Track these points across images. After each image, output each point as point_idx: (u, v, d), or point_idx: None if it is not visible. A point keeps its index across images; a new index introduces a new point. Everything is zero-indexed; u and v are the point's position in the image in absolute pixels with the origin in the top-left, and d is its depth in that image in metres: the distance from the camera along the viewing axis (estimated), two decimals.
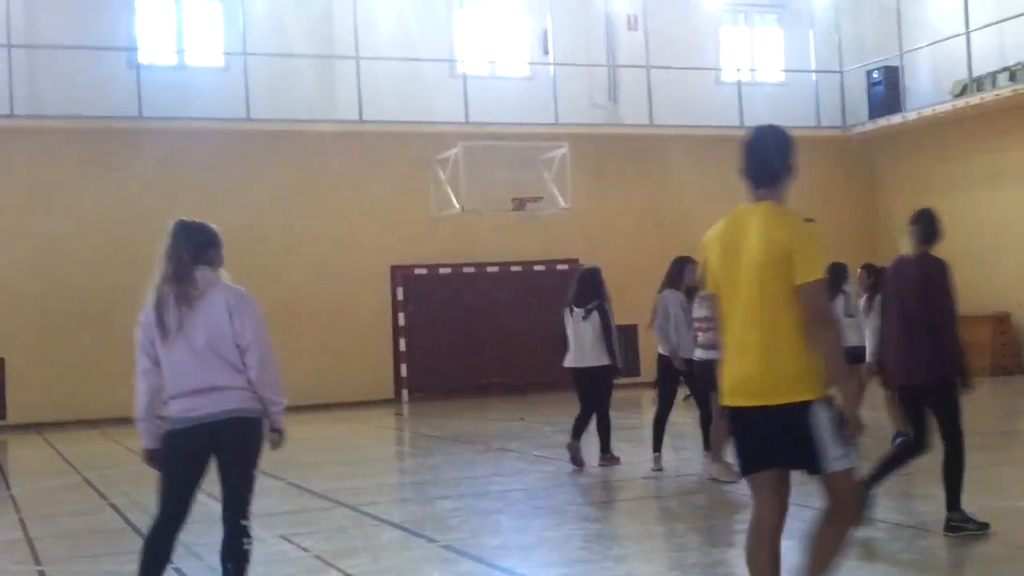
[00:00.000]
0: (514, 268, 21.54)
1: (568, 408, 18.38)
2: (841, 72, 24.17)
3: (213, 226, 5.62)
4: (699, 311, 10.21)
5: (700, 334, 10.22)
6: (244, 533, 5.36)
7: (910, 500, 9.38)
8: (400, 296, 20.80)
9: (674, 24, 22.95)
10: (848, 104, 24.05)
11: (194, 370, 5.33)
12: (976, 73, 21.26)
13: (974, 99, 21.02)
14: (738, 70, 23.91)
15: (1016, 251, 19.80)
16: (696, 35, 23.55)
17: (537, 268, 21.75)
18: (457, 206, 19.06)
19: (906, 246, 7.83)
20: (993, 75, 20.99)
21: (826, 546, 4.70)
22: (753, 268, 4.69)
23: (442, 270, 21.11)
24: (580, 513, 9.10)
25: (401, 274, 20.91)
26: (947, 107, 21.66)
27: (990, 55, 21.19)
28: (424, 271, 20.85)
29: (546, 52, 22.45)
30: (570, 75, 22.30)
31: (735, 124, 23.02)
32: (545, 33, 22.41)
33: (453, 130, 20.37)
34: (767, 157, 5.13)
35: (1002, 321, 20.26)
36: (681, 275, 11.00)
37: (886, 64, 23.29)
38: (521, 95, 22.21)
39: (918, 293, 7.50)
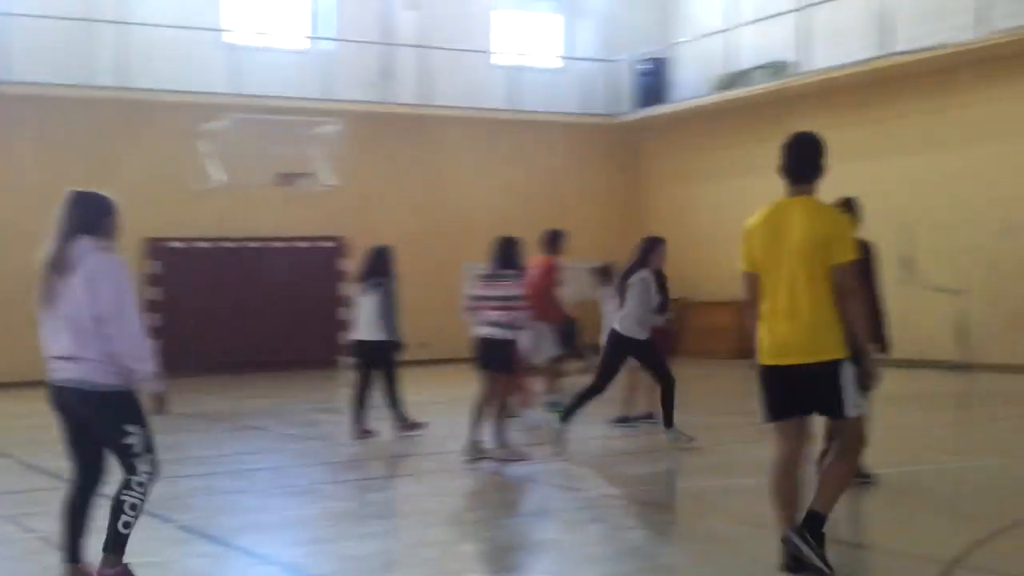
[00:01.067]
0: (277, 244, 21.08)
1: (326, 386, 18.27)
2: (611, 61, 24.67)
3: (105, 196, 5.74)
4: (486, 290, 10.07)
5: (491, 312, 9.94)
6: (126, 486, 5.56)
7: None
8: (154, 270, 20.05)
9: (451, 5, 22.91)
10: (617, 93, 24.57)
11: (56, 338, 5.58)
12: (737, 68, 22.07)
13: (734, 93, 21.82)
14: (514, 55, 24.05)
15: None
16: (473, 17, 23.56)
17: (301, 245, 21.35)
18: (219, 179, 18.46)
19: None
20: (752, 70, 21.83)
21: (838, 478, 5.85)
22: (798, 251, 5.71)
23: (201, 245, 20.42)
24: (327, 492, 8.90)
25: (155, 248, 20.12)
26: (708, 100, 22.41)
27: (751, 51, 22.03)
28: (181, 245, 20.11)
29: (319, 28, 22.03)
30: (346, 52, 21.94)
31: (509, 108, 23.22)
32: (319, 9, 21.97)
33: (220, 101, 19.69)
34: (806, 159, 6.14)
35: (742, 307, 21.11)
36: (650, 256, 10.91)
37: (654, 55, 23.91)
38: (295, 69, 21.70)
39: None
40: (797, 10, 20.68)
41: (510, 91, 23.27)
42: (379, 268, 11.50)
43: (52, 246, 5.59)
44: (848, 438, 5.84)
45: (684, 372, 18.28)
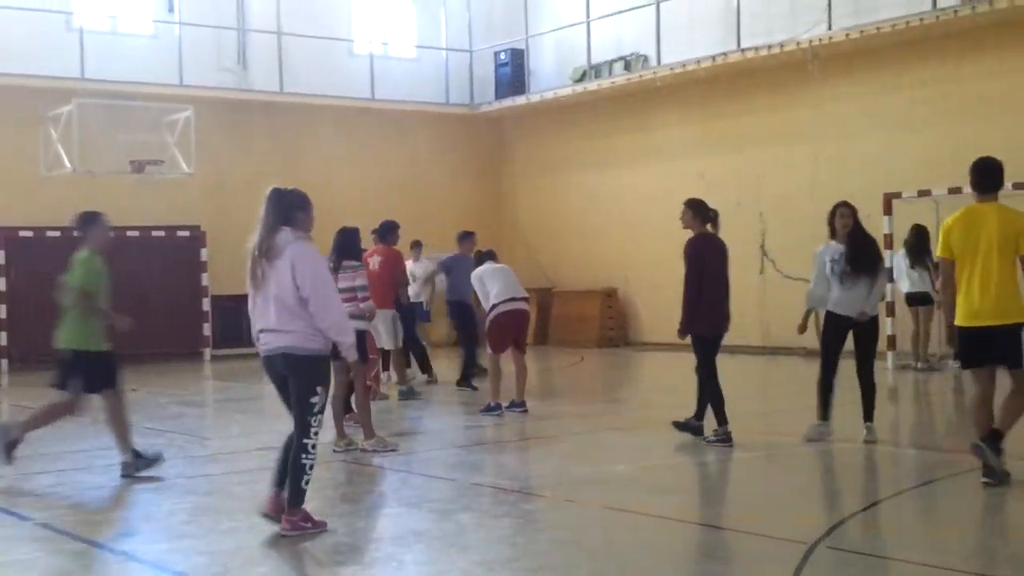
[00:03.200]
0: (131, 233, 20.49)
1: (181, 379, 17.88)
2: (471, 51, 24.69)
3: (301, 192, 6.84)
4: (345, 282, 9.94)
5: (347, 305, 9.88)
6: (303, 448, 6.66)
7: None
8: (0, 260, 19.32)
9: None
10: (476, 83, 24.61)
11: (263, 313, 6.68)
12: (595, 61, 22.33)
13: (592, 85, 22.08)
14: (374, 43, 23.86)
15: (623, 230, 20.93)
16: (330, 4, 23.29)
17: (156, 234, 20.81)
18: (68, 166, 17.86)
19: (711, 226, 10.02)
20: (610, 63, 22.12)
21: (1015, 409, 7.82)
22: (995, 241, 7.68)
23: (50, 233, 19.71)
24: (189, 487, 8.70)
25: (3, 236, 19.38)
26: (568, 91, 22.63)
27: (608, 44, 22.32)
28: (30, 234, 19.40)
29: (171, 11, 21.48)
30: (198, 37, 21.44)
31: (368, 96, 23.04)
32: None
33: (67, 85, 19.09)
34: (994, 175, 7.90)
35: (610, 296, 21.44)
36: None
37: (513, 46, 24.03)
38: (145, 54, 21.12)
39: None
40: (652, 3, 21.01)
41: (371, 80, 23.09)
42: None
43: (259, 236, 6.64)
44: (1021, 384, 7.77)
45: (552, 361, 18.57)
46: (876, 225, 16.55)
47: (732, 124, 20.34)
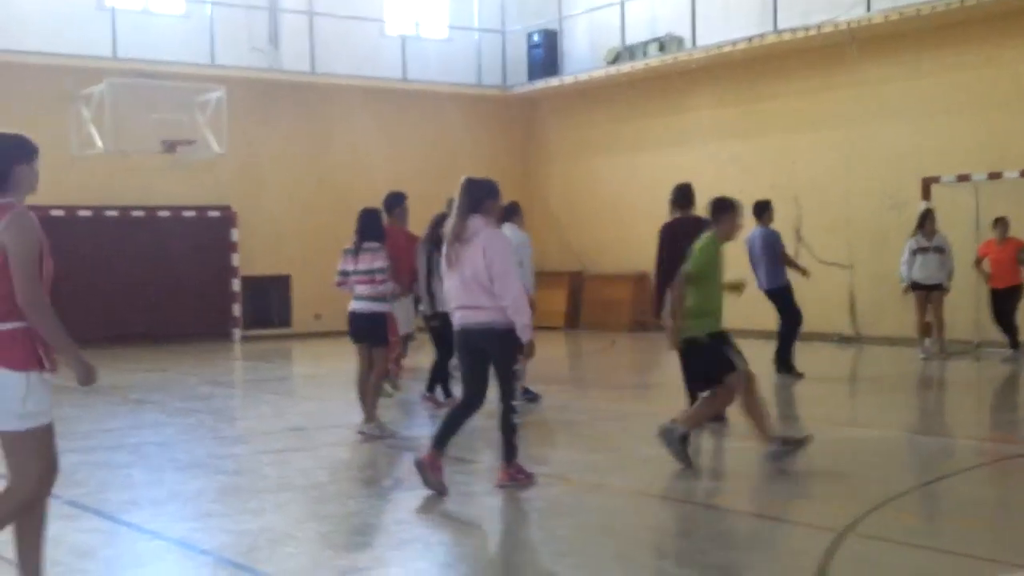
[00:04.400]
0: (162, 213, 20.55)
1: (211, 359, 17.93)
2: (503, 32, 24.56)
3: (490, 181, 7.55)
4: (352, 264, 9.85)
5: (359, 286, 9.81)
6: (512, 410, 7.45)
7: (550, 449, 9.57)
8: None
9: None
10: (509, 64, 24.48)
11: (462, 292, 7.32)
12: (629, 42, 22.15)
13: (626, 67, 21.89)
14: (406, 24, 23.77)
15: (655, 214, 20.55)
16: None
17: (187, 214, 20.83)
18: (100, 145, 17.89)
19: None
20: (644, 45, 21.91)
21: None
22: None
23: (82, 212, 19.80)
24: (217, 467, 8.68)
25: (35, 215, 19.43)
26: (601, 73, 22.45)
27: (643, 25, 22.12)
28: (61, 213, 19.46)
29: None
30: (229, 16, 21.42)
31: (399, 77, 22.96)
32: None
33: (100, 65, 19.10)
34: None
35: (641, 280, 21.29)
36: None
37: (546, 28, 23.86)
38: (176, 34, 21.11)
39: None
40: None
41: (402, 61, 23.01)
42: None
43: (454, 222, 7.32)
44: None
45: (584, 344, 18.46)
46: (913, 210, 16.39)
47: (767, 107, 20.11)
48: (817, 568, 5.55)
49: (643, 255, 21.86)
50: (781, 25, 19.07)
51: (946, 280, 15.14)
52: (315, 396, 12.99)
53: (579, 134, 23.77)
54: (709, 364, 8.19)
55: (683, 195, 10.27)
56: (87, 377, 4.84)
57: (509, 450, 7.56)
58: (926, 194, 16.24)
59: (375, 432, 9.70)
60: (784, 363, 13.63)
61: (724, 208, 8.37)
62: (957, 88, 17.40)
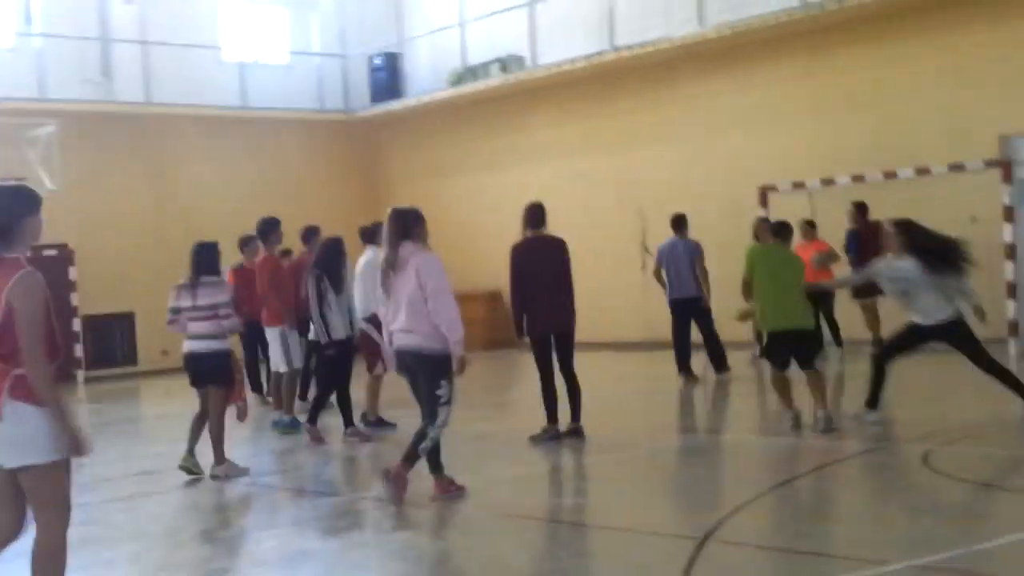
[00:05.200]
0: None
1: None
2: (344, 56, 24.40)
3: (416, 209, 7.87)
4: (187, 300, 9.36)
5: (195, 324, 9.34)
6: (425, 435, 7.74)
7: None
8: None
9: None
10: (352, 88, 24.32)
11: (398, 316, 7.67)
12: (470, 63, 22.24)
13: (469, 88, 21.97)
14: (244, 50, 23.39)
15: (505, 232, 20.67)
16: (196, 11, 22.75)
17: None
18: None
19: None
20: (486, 65, 22.03)
21: None
22: None
23: None
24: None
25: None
26: (445, 94, 22.48)
27: (483, 46, 22.23)
28: None
29: (29, 22, 20.74)
30: (59, 48, 20.74)
31: (239, 105, 22.59)
32: (28, 1, 20.70)
33: None
34: None
35: (495, 298, 21.35)
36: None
37: (387, 51, 23.80)
38: (3, 66, 20.35)
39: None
40: (527, 4, 21.01)
41: (241, 88, 22.65)
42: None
43: (387, 251, 7.70)
44: None
45: None
46: (751, 219, 16.81)
47: (610, 123, 20.43)
48: None
49: (494, 274, 21.93)
50: (618, 42, 19.40)
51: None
52: (165, 437, 12.59)
53: (425, 156, 23.75)
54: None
55: (535, 214, 10.28)
56: (75, 448, 4.82)
57: (434, 465, 7.90)
58: (763, 202, 16.69)
59: (227, 473, 9.41)
60: (721, 359, 14.33)
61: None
62: (789, 99, 17.95)
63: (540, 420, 10.14)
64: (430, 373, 7.66)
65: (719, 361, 14.40)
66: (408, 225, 7.72)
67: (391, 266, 7.67)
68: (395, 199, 24.28)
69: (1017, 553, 5.78)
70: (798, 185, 16.41)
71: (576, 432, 10.03)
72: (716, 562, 5.98)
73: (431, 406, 7.69)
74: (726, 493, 7.87)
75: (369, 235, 11.96)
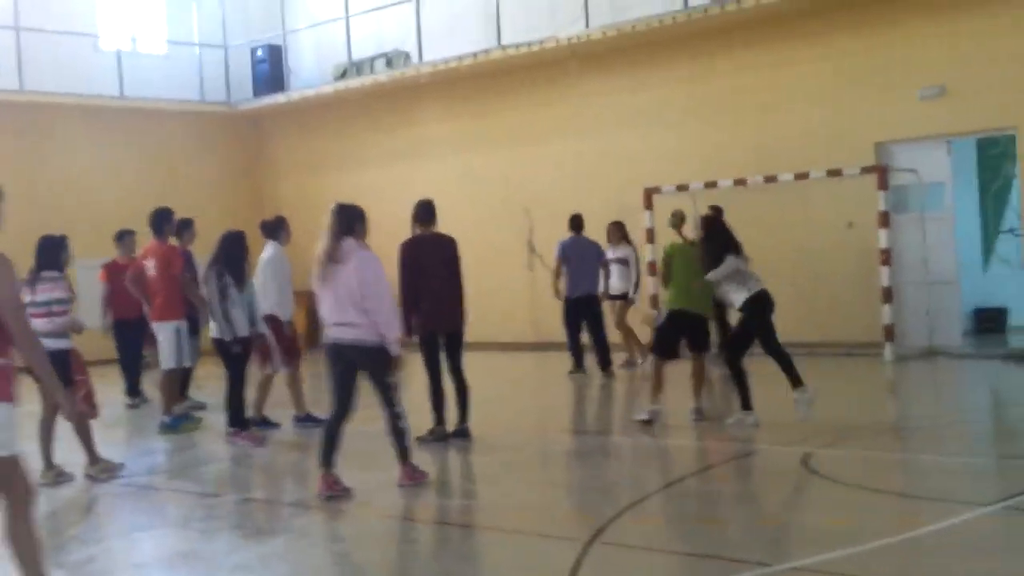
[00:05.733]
0: None
1: None
2: (225, 47, 23.94)
3: (359, 207, 8.07)
4: (28, 296, 8.87)
5: (37, 321, 8.63)
6: (396, 416, 8.07)
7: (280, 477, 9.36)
8: None
9: None
10: (233, 80, 23.87)
11: (335, 309, 7.82)
12: (356, 57, 22.02)
13: (355, 82, 21.75)
14: (123, 39, 22.77)
15: (388, 229, 20.37)
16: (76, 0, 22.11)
17: None
18: None
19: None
20: (372, 60, 21.84)
21: None
22: None
23: None
24: None
25: None
26: (329, 89, 22.22)
27: (369, 41, 22.04)
28: None
29: None
30: None
31: (116, 94, 21.99)
32: None
33: None
34: None
35: None
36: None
37: (270, 43, 23.42)
38: None
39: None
40: (412, 0, 20.87)
41: (119, 77, 22.05)
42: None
43: (328, 244, 7.81)
44: None
45: (321, 365, 17.90)
46: (637, 219, 16.99)
47: (497, 121, 20.43)
48: None
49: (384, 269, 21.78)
50: (505, 41, 19.40)
51: (631, 291, 15.58)
52: (33, 437, 12.19)
53: (310, 150, 23.45)
54: None
55: (425, 211, 10.20)
56: (72, 414, 5.71)
57: (402, 452, 8.12)
58: (648, 203, 16.86)
59: (102, 472, 9.15)
60: (608, 359, 14.71)
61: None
62: (674, 101, 18.16)
63: (427, 421, 10.07)
64: (376, 365, 7.87)
65: (607, 361, 14.53)
66: (351, 222, 7.91)
67: (331, 258, 7.80)
68: (279, 194, 24.06)
69: (894, 555, 5.91)
70: (682, 187, 16.61)
71: (463, 433, 10.00)
72: (602, 564, 6.00)
73: (386, 392, 7.96)
74: (613, 495, 7.90)
75: (270, 230, 11.76)
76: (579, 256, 14.66)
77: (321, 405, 10.55)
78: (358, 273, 7.72)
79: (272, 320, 11.27)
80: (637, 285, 15.62)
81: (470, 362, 10.46)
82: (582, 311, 14.63)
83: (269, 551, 6.73)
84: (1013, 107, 15.11)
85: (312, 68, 23.28)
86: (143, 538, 7.31)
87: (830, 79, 16.61)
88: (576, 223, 15.11)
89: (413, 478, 8.13)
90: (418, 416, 10.30)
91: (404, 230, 10.35)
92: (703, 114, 17.84)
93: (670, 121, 18.17)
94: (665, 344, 10.59)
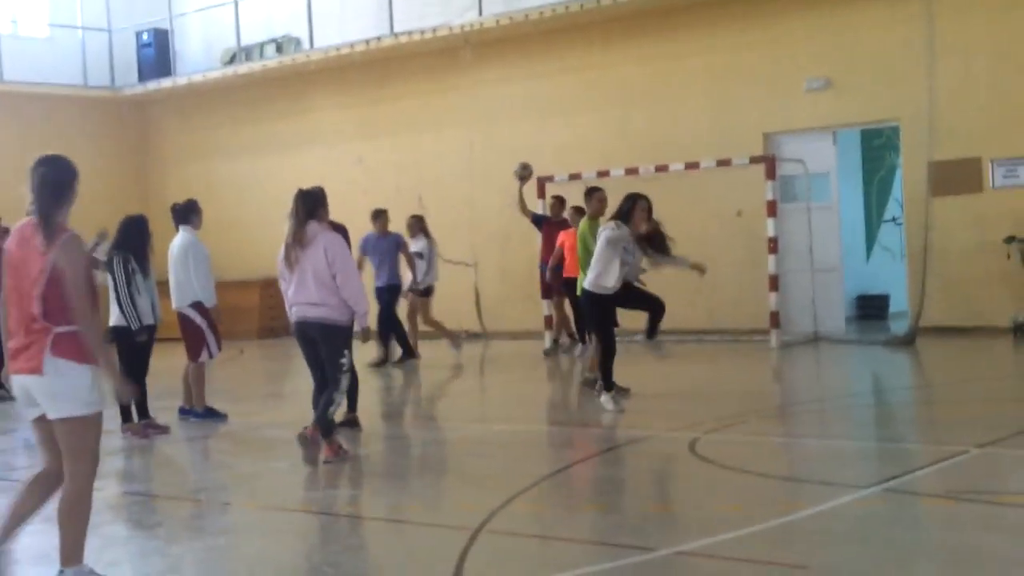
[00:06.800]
0: None
1: None
2: (109, 31, 23.33)
3: (321, 190, 8.52)
4: None
5: None
6: (331, 401, 8.50)
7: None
8: None
9: None
10: (118, 65, 23.27)
11: (301, 290, 8.34)
12: (245, 42, 21.64)
13: (243, 68, 21.38)
14: (2, 21, 22.08)
15: (279, 218, 20.19)
16: None
17: None
18: None
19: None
20: (261, 46, 21.48)
21: None
22: None
23: None
24: None
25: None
26: (218, 74, 21.81)
27: (258, 26, 21.68)
28: None
29: None
30: None
31: None
32: None
33: None
34: None
35: (268, 285, 20.86)
36: None
37: (156, 27, 22.90)
38: None
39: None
40: None
41: None
42: (124, 241, 10.21)
43: (294, 228, 8.32)
44: None
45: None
46: (531, 208, 16.98)
47: (389, 109, 20.26)
48: (453, 570, 5.54)
49: (270, 260, 21.40)
50: (397, 28, 19.24)
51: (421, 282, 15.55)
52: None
53: (197, 137, 22.99)
54: None
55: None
56: (124, 392, 5.70)
57: (326, 429, 8.49)
58: (541, 193, 16.87)
59: None
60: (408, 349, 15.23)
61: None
62: (566, 90, 18.21)
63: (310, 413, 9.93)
64: (334, 344, 8.39)
65: (408, 348, 15.15)
66: (315, 206, 8.39)
67: (298, 242, 8.27)
68: (167, 181, 23.55)
69: (779, 537, 5.98)
70: (574, 176, 16.65)
71: (352, 422, 9.87)
72: (489, 552, 5.96)
73: (334, 372, 8.40)
74: (500, 483, 7.85)
75: (182, 214, 11.34)
76: (378, 250, 14.96)
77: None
78: (328, 253, 8.21)
79: (199, 307, 10.95)
80: (427, 276, 15.49)
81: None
82: (391, 298, 14.98)
83: (146, 546, 6.55)
84: (896, 99, 15.47)
85: (200, 53, 22.82)
86: (18, 535, 7.05)
87: (720, 71, 16.82)
88: (379, 217, 15.28)
89: (338, 454, 8.44)
90: (307, 407, 10.17)
91: None
92: (596, 104, 17.92)
93: (564, 110, 18.21)
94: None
